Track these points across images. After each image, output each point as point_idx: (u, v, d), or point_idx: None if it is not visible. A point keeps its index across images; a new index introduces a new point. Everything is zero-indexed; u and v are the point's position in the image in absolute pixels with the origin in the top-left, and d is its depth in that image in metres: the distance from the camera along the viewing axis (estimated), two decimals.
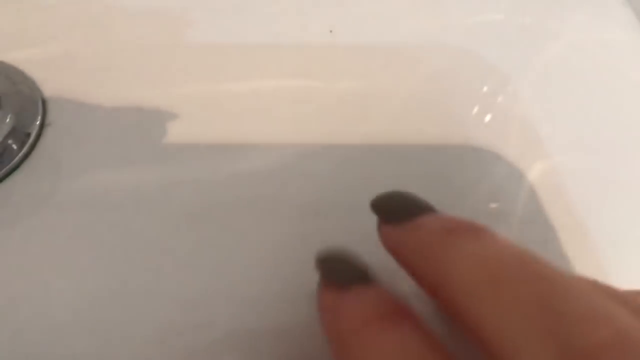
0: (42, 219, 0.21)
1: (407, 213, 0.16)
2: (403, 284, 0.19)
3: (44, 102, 0.23)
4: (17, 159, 0.21)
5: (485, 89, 0.25)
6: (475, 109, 0.25)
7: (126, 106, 0.23)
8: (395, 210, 0.16)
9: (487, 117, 0.24)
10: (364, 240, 0.21)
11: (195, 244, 0.21)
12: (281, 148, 0.23)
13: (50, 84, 0.23)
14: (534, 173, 0.23)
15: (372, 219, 0.21)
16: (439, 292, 0.14)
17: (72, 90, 0.23)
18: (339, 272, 0.16)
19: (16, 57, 0.23)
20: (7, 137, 0.21)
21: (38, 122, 0.22)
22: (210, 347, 0.19)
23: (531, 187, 0.23)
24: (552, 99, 0.25)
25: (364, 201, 0.22)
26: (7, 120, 0.22)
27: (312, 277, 0.21)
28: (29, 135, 0.22)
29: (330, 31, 0.26)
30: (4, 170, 0.21)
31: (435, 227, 0.15)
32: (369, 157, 0.23)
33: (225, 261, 0.21)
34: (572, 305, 0.11)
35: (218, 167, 0.22)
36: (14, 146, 0.22)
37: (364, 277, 0.15)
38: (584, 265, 0.22)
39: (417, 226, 0.15)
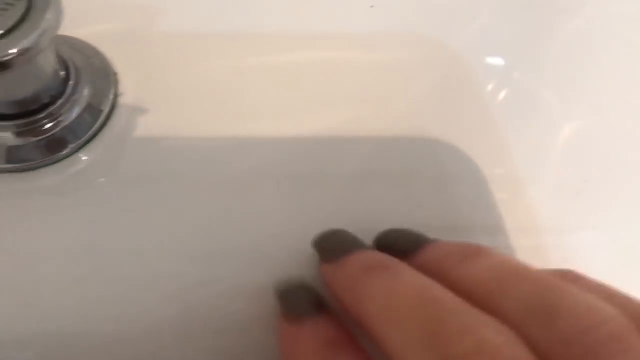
0: (115, 185, 0.23)
1: (341, 251, 0.19)
2: None
3: (115, 74, 0.25)
4: (93, 130, 0.24)
5: (503, 63, 0.27)
6: (491, 86, 0.27)
7: (195, 75, 0.25)
8: (331, 250, 0.20)
9: (502, 94, 0.26)
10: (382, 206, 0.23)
11: (231, 208, 0.23)
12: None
13: (119, 58, 0.25)
14: (559, 146, 0.25)
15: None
16: (360, 320, 0.17)
17: (141, 62, 0.25)
18: (294, 304, 0.19)
19: (86, 33, 0.25)
20: (85, 109, 0.24)
21: (112, 94, 0.24)
22: (220, 299, 0.22)
23: (557, 158, 0.25)
24: (573, 74, 0.27)
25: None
26: (85, 92, 0.24)
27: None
28: (102, 108, 0.24)
29: (372, 6, 0.28)
30: (80, 141, 0.23)
31: (356, 266, 0.18)
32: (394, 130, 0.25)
33: (246, 222, 0.23)
34: (448, 324, 0.14)
35: (271, 134, 0.24)
36: (90, 118, 0.24)
37: (316, 307, 0.19)
38: None
39: (343, 264, 0.19)
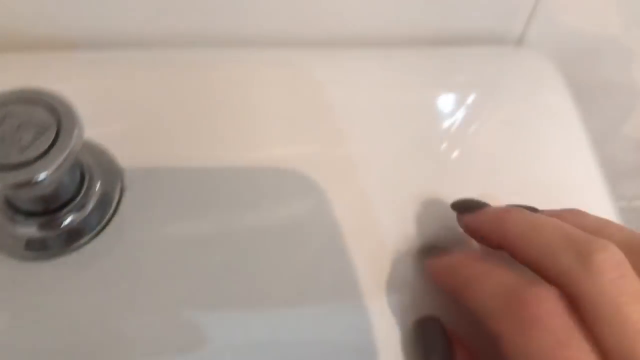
0: (127, 269, 0.28)
1: (477, 205, 0.27)
2: None
3: (120, 170, 0.30)
4: (103, 222, 0.28)
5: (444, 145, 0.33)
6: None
7: (192, 167, 0.30)
8: (469, 206, 0.27)
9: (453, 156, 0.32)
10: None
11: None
12: None
13: (123, 155, 0.30)
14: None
15: None
16: (501, 244, 0.24)
17: (143, 158, 0.30)
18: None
19: (94, 133, 0.30)
20: (96, 204, 0.28)
21: (118, 189, 0.29)
22: None
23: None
24: (495, 159, 0.33)
25: None
26: (97, 189, 0.28)
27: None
28: (111, 201, 0.29)
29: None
30: (93, 232, 0.28)
31: (494, 210, 0.26)
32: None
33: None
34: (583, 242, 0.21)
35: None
36: (99, 212, 0.28)
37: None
38: None
39: (485, 211, 0.26)
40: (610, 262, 0.20)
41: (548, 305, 0.19)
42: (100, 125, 0.30)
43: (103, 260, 0.28)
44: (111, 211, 0.28)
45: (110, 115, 0.31)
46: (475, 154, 0.32)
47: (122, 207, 0.29)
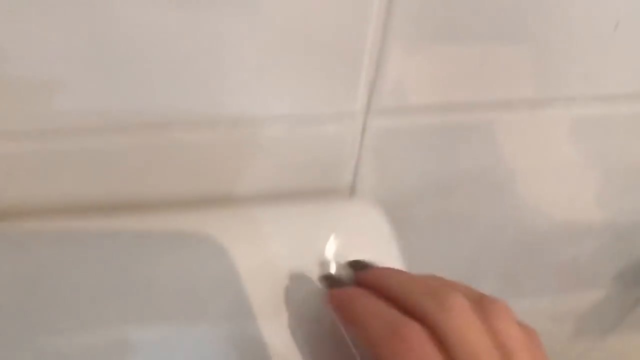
0: None
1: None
2: None
3: None
4: None
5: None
6: None
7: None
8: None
9: None
10: None
11: None
12: None
13: None
14: None
15: None
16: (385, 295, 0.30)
17: None
18: None
19: None
20: None
21: None
22: None
23: None
24: None
25: None
26: None
27: None
28: None
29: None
30: None
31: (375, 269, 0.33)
32: None
33: None
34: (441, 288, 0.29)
35: None
36: None
37: None
38: None
39: (370, 271, 0.33)
40: (458, 304, 0.28)
41: (418, 338, 0.27)
42: None
43: None
44: None
45: None
46: None
47: None
